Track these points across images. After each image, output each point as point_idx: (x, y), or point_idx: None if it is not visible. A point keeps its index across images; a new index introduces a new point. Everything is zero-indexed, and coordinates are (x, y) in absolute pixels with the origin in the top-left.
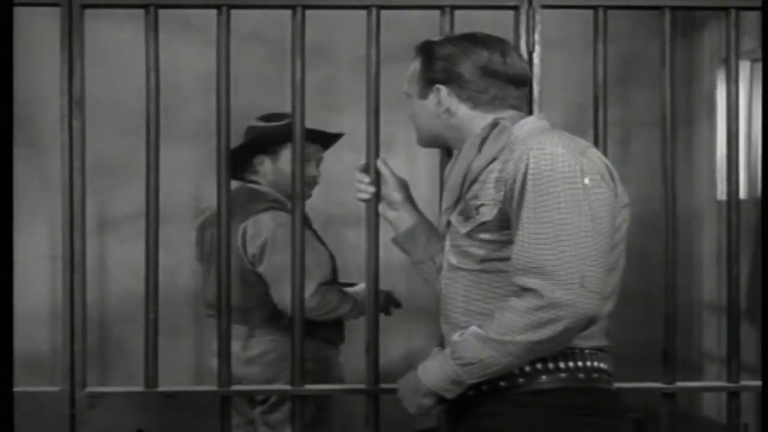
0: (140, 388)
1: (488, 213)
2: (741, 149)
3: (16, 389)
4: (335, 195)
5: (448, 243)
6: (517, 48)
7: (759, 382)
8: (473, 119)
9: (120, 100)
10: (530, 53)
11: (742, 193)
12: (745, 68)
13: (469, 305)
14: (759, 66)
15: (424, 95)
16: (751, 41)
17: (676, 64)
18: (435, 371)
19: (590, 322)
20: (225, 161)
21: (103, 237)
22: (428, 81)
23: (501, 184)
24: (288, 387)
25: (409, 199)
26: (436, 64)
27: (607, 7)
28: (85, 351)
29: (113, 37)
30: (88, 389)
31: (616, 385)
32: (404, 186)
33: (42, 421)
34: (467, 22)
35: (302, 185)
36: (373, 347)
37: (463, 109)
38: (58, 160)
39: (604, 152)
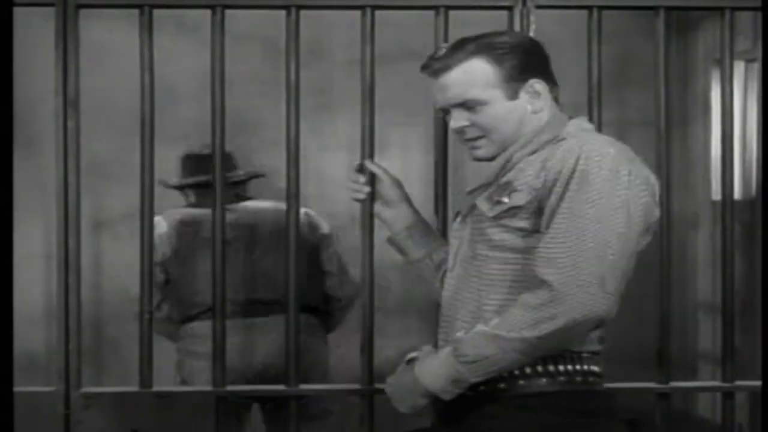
0: (135, 388)
1: (521, 198)
2: (736, 150)
3: None
4: (328, 193)
5: (468, 229)
6: None
7: (753, 382)
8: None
9: (114, 99)
10: None
11: (737, 194)
12: (739, 68)
13: (480, 297)
14: (753, 66)
15: (514, 95)
16: (746, 41)
17: (670, 64)
18: (435, 371)
19: (600, 322)
20: (219, 161)
21: (98, 236)
22: (518, 77)
23: (543, 173)
24: (282, 387)
25: (406, 197)
26: (524, 58)
27: (601, 7)
28: (80, 351)
29: (107, 37)
30: (83, 389)
31: (611, 384)
32: (399, 184)
33: (37, 421)
34: (461, 22)
35: (297, 185)
36: (368, 347)
37: (550, 104)
38: (52, 160)
39: None
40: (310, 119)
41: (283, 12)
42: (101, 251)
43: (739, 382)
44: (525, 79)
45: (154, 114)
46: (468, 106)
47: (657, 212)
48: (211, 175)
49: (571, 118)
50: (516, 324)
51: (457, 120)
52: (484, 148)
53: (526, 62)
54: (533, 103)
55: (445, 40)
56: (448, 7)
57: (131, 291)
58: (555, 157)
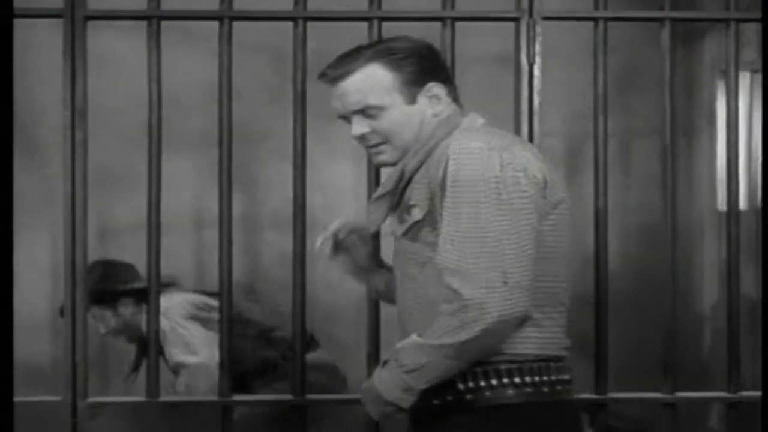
0: (142, 398)
1: (419, 213)
2: (741, 160)
3: (17, 399)
4: (335, 203)
5: (396, 246)
6: (518, 60)
7: (759, 393)
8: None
9: (121, 109)
10: (531, 65)
11: (742, 204)
12: (745, 79)
13: (421, 313)
14: (759, 77)
15: (412, 99)
16: (751, 52)
17: (677, 74)
18: (387, 382)
19: (523, 318)
20: (227, 171)
21: (104, 246)
22: (416, 81)
23: (426, 183)
24: (290, 397)
25: (375, 257)
26: (420, 62)
27: (607, 19)
28: (87, 361)
29: (115, 47)
30: (90, 399)
31: (617, 395)
32: (370, 243)
33: (43, 430)
34: (467, 33)
35: (303, 195)
36: (373, 357)
37: (450, 107)
38: (59, 170)
39: (604, 162)
40: (316, 129)
41: (290, 23)
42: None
43: (744, 393)
44: (423, 83)
45: (162, 124)
46: (368, 112)
47: (556, 193)
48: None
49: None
50: (441, 331)
51: (358, 127)
52: (386, 153)
53: (424, 66)
54: (433, 106)
55: (452, 52)
56: (455, 19)
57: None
58: (432, 165)
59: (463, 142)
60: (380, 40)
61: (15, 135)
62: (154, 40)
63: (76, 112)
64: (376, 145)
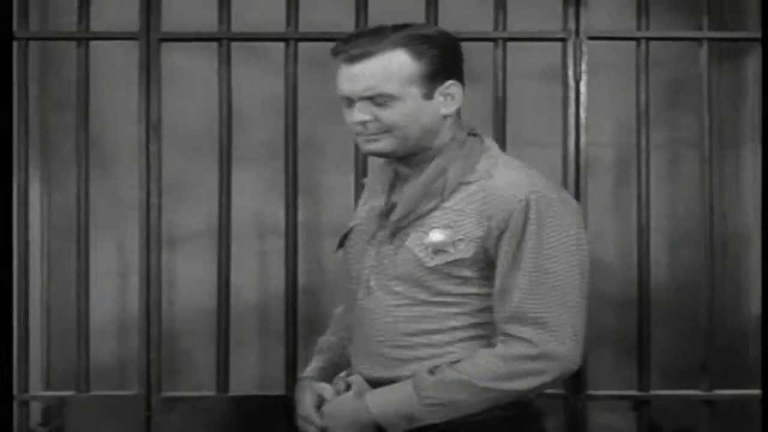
0: (212, 393)
1: (466, 250)
2: None
3: (95, 393)
4: None
5: (387, 260)
6: (565, 77)
7: None
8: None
9: (188, 122)
10: (577, 82)
11: None
12: None
13: (414, 337)
14: None
15: (430, 94)
16: None
17: (723, 86)
18: (391, 405)
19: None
20: (292, 181)
21: (170, 253)
22: (437, 76)
23: (484, 220)
24: None
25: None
26: (445, 56)
27: (649, 39)
28: (160, 358)
29: (184, 64)
30: (163, 393)
31: (658, 392)
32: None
33: (119, 422)
34: (516, 49)
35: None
36: None
37: (457, 112)
38: (129, 181)
39: (647, 175)
40: None
41: None
42: (173, 267)
43: None
44: (443, 80)
45: (231, 139)
46: (378, 100)
47: None
48: None
49: (470, 134)
50: (493, 375)
51: (361, 113)
52: (382, 143)
53: (447, 61)
54: (447, 105)
55: (504, 70)
56: (507, 39)
57: None
58: (493, 204)
59: (539, 189)
60: (405, 24)
61: (90, 149)
62: (225, 61)
63: (151, 128)
64: (375, 133)
